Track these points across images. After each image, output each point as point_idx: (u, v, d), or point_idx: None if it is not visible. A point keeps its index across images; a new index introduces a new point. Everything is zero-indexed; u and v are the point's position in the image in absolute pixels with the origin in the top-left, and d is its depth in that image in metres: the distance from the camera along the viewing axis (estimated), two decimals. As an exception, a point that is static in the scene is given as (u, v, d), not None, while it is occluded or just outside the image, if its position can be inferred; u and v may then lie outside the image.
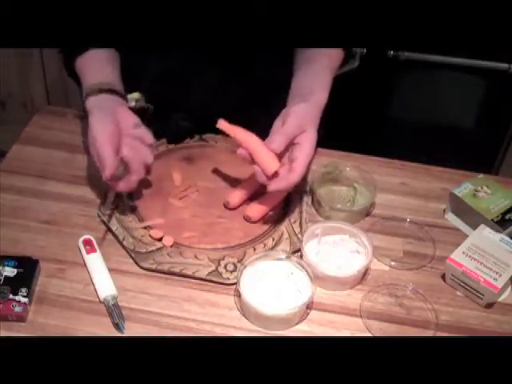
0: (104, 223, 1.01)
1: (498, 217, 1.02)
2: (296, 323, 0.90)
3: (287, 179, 0.94)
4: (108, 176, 0.91)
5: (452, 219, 1.08)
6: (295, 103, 0.98)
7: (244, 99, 1.14)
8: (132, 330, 0.88)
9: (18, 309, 0.87)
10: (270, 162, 0.94)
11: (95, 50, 1.04)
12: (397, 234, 1.05)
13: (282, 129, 0.95)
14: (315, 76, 1.03)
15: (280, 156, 0.96)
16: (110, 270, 0.95)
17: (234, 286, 0.94)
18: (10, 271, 0.90)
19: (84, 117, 1.22)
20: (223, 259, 0.96)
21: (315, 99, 1.00)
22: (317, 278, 0.92)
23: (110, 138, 0.92)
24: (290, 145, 0.96)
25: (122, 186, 0.95)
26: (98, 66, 1.03)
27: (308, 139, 0.95)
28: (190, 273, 0.94)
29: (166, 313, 0.90)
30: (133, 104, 0.94)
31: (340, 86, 1.61)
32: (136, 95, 0.94)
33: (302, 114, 0.96)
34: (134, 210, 1.03)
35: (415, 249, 1.03)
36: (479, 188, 1.07)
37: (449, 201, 1.08)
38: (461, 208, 1.06)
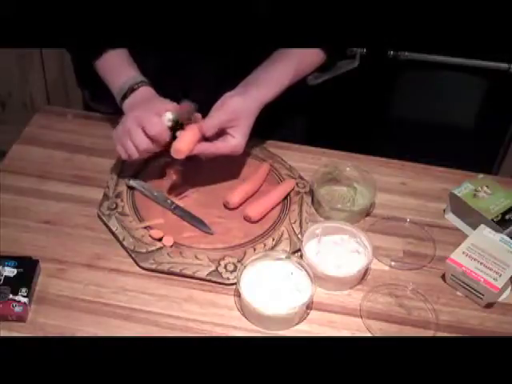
0: (104, 223, 1.01)
1: (497, 217, 1.02)
2: (296, 323, 0.90)
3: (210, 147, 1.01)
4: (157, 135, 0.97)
5: (452, 219, 1.08)
6: (235, 94, 1.02)
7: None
8: (132, 330, 0.88)
9: (18, 309, 0.87)
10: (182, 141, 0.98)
11: (112, 51, 1.07)
12: (397, 234, 1.05)
13: (214, 118, 1.00)
14: (272, 72, 1.06)
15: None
16: (110, 270, 0.95)
17: (234, 286, 0.94)
18: (10, 271, 0.90)
19: (84, 117, 1.23)
20: (223, 259, 0.96)
21: (255, 94, 1.02)
22: (317, 278, 0.92)
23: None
24: (224, 131, 1.01)
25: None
26: (120, 65, 1.07)
27: (239, 132, 1.01)
28: (189, 273, 0.94)
29: (166, 313, 0.90)
30: (169, 124, 0.99)
31: (340, 86, 1.61)
32: (169, 115, 0.99)
33: (235, 109, 1.00)
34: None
35: (415, 249, 1.03)
36: (479, 188, 1.06)
37: (449, 201, 1.08)
38: (461, 208, 1.06)
